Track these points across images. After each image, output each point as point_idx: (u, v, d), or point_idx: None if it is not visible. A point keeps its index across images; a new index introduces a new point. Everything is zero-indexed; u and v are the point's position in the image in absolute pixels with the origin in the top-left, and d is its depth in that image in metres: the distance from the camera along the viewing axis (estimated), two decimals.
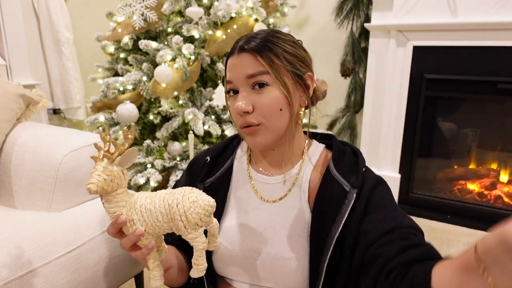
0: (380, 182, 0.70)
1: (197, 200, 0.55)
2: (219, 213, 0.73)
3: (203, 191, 0.62)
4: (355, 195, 0.65)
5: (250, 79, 0.65)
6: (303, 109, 0.70)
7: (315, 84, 0.71)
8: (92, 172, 0.54)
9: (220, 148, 0.81)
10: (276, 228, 0.70)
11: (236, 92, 0.68)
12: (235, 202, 0.75)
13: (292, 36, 0.71)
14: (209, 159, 0.78)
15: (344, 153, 0.73)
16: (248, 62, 0.65)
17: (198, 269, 0.57)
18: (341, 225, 0.64)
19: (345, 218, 0.64)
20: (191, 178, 0.79)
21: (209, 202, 0.55)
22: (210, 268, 0.73)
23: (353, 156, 0.72)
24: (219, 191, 0.75)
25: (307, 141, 0.75)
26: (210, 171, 0.78)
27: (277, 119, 0.66)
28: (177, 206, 0.54)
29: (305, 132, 0.77)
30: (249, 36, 0.68)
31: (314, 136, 0.79)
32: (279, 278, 0.69)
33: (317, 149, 0.75)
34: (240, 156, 0.79)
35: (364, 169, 0.69)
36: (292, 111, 0.67)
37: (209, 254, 0.73)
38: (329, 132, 0.78)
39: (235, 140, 0.83)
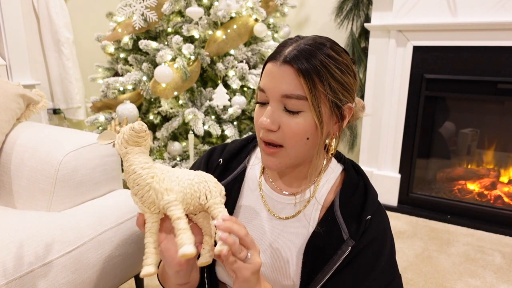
0: (380, 237, 0.65)
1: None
2: None
3: None
4: (350, 248, 0.62)
5: (285, 99, 0.59)
6: (334, 140, 0.65)
7: (353, 113, 0.66)
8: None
9: (235, 150, 0.77)
10: (279, 248, 0.68)
11: (264, 103, 0.62)
12: (243, 210, 0.73)
13: (347, 55, 0.63)
14: (221, 161, 0.75)
15: (355, 188, 0.67)
16: (288, 79, 0.58)
17: (212, 256, 0.58)
18: (328, 275, 0.62)
19: (334, 269, 0.62)
20: (206, 170, 0.77)
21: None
22: (212, 273, 0.72)
23: (363, 194, 0.67)
24: (229, 197, 0.71)
25: (325, 162, 0.70)
26: (222, 174, 0.75)
27: (301, 147, 0.61)
28: (202, 172, 0.59)
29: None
30: (299, 46, 0.59)
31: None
32: None
33: (333, 172, 0.70)
34: (254, 164, 0.75)
35: (369, 217, 0.63)
36: (320, 142, 0.62)
37: (212, 263, 0.72)
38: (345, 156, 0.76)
39: (252, 144, 0.78)
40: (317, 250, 0.64)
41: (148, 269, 0.53)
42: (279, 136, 0.60)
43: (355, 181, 0.68)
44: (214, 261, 0.71)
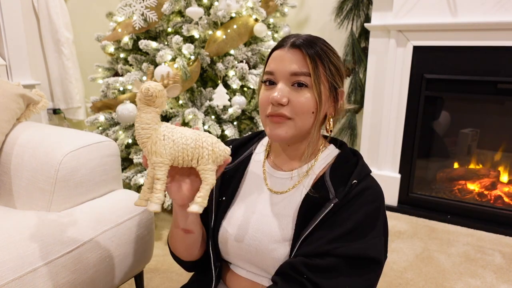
0: (364, 197, 0.68)
1: (220, 141, 0.66)
2: (230, 198, 0.79)
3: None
4: (332, 204, 0.66)
5: (293, 76, 0.68)
6: (331, 119, 0.74)
7: (343, 100, 0.75)
8: (150, 83, 0.61)
9: (243, 140, 0.87)
10: (273, 219, 0.73)
11: (272, 83, 0.70)
12: (245, 190, 0.80)
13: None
14: (231, 147, 0.82)
15: (346, 162, 0.74)
16: (296, 59, 0.68)
17: (202, 204, 0.63)
18: (310, 229, 0.67)
19: (315, 223, 0.66)
20: None
21: (228, 149, 0.67)
22: (217, 250, 0.78)
23: (353, 166, 0.73)
24: (234, 177, 0.80)
25: (323, 144, 0.78)
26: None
27: (307, 119, 0.69)
28: (207, 137, 0.64)
29: (325, 137, 0.80)
30: (302, 36, 0.70)
31: (334, 140, 0.81)
32: (270, 268, 0.71)
33: (330, 153, 0.77)
34: (259, 152, 0.84)
35: (355, 181, 0.68)
36: (318, 117, 0.70)
37: (216, 236, 0.78)
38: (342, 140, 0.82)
39: (258, 136, 0.88)
40: (307, 211, 0.70)
41: (140, 202, 0.64)
42: (288, 110, 0.68)
43: (348, 158, 0.75)
44: (217, 236, 0.77)
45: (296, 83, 0.68)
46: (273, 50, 0.72)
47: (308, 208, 0.70)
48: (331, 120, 0.75)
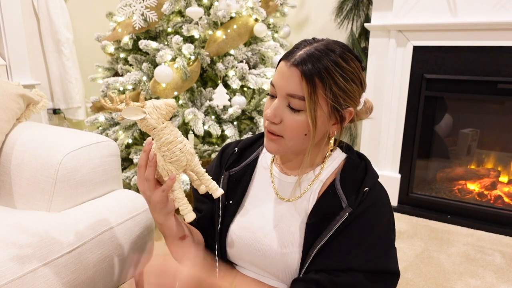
0: (377, 206, 0.69)
1: None
2: (237, 202, 0.78)
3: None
4: (347, 214, 0.67)
5: (289, 97, 0.65)
6: (333, 139, 0.73)
7: (352, 116, 0.71)
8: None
9: (249, 141, 0.86)
10: (282, 225, 0.73)
11: (274, 96, 0.69)
12: (253, 193, 0.80)
13: (357, 63, 0.67)
14: (236, 150, 0.83)
15: (356, 168, 0.73)
16: (293, 80, 0.64)
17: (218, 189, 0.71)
18: (326, 239, 0.67)
19: (331, 232, 0.67)
20: (220, 163, 0.85)
21: None
22: (223, 253, 0.79)
23: (363, 172, 0.72)
24: (242, 181, 0.80)
25: (329, 148, 0.76)
26: (237, 161, 0.83)
27: (298, 141, 0.68)
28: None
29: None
30: (310, 51, 0.64)
31: (340, 142, 0.79)
32: (278, 272, 0.72)
33: (337, 158, 0.76)
34: (265, 153, 0.83)
35: (367, 189, 0.68)
36: (312, 139, 0.67)
37: (223, 239, 0.79)
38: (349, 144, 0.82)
39: (264, 138, 0.86)
40: (318, 219, 0.69)
41: (192, 215, 0.68)
42: (280, 129, 0.67)
43: (356, 163, 0.74)
44: (225, 239, 0.78)
45: (292, 107, 0.65)
46: (282, 57, 0.68)
47: (319, 215, 0.69)
48: (332, 139, 0.73)
